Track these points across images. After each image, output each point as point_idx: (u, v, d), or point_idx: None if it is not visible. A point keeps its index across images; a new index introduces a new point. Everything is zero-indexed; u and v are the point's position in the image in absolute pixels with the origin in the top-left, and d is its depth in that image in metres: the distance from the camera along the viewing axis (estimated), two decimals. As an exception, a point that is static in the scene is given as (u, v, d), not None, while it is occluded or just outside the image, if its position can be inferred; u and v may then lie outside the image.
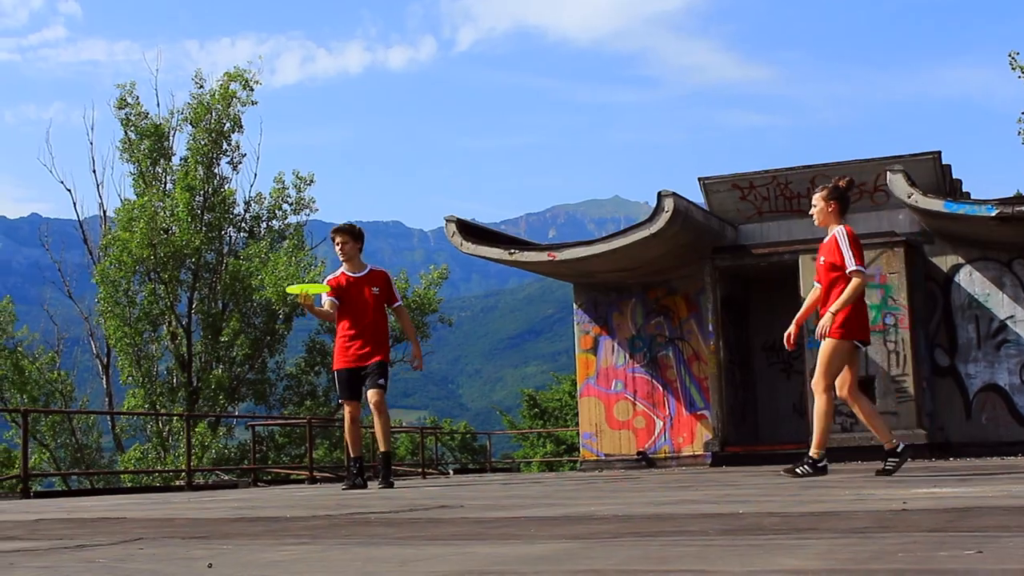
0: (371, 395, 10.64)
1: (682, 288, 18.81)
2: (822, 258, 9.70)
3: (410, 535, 4.04)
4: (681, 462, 18.47)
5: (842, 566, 2.60)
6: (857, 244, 9.53)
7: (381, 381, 10.67)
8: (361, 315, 10.77)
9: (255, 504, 7.69)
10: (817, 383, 9.59)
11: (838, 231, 9.59)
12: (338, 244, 10.93)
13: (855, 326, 9.47)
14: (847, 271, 9.35)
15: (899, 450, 9.39)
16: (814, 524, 3.94)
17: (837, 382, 9.58)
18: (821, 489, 7.02)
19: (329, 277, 11.10)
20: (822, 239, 16.96)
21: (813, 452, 9.54)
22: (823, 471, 9.53)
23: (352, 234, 10.97)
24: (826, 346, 9.47)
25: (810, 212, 9.99)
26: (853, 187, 10.32)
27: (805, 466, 9.55)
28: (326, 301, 11.00)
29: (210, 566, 2.95)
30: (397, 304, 11.17)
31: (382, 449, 10.80)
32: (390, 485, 10.63)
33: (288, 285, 11.74)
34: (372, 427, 11.29)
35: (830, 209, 9.74)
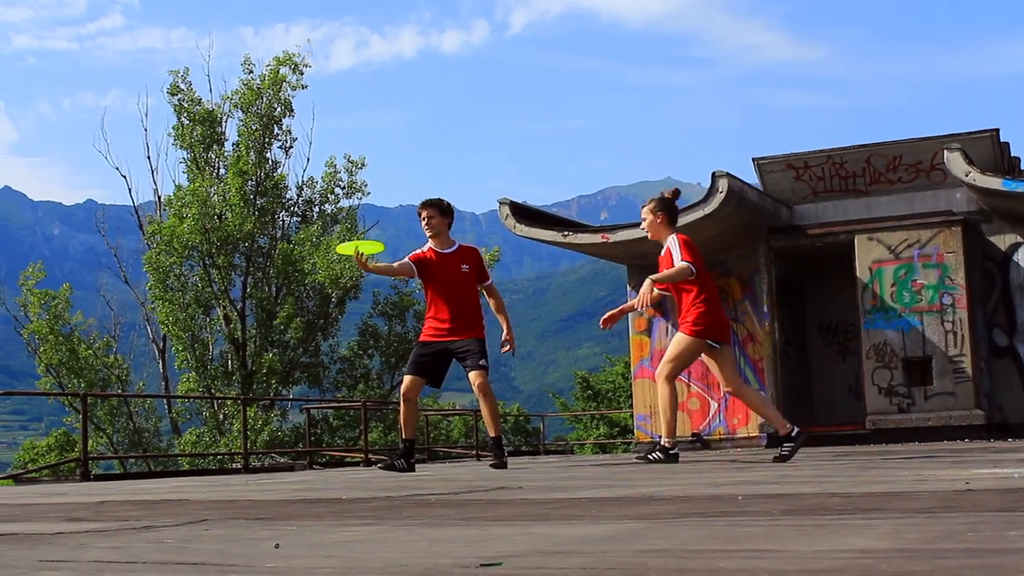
0: (474, 377, 9.95)
1: (736, 269, 18.71)
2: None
3: (472, 516, 4.05)
4: (736, 444, 18.40)
5: (911, 546, 2.58)
6: (689, 248, 9.74)
7: (483, 362, 9.97)
8: (451, 293, 10.11)
9: (314, 486, 7.74)
10: (660, 372, 9.94)
11: (671, 240, 9.80)
12: (424, 218, 10.25)
13: (710, 325, 9.78)
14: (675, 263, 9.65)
15: (793, 435, 9.52)
16: (878, 504, 3.91)
17: (726, 379, 9.89)
18: (880, 470, 6.98)
19: (415, 252, 10.32)
20: (880, 218, 16.85)
21: (665, 441, 9.89)
22: (674, 459, 9.84)
23: (439, 208, 10.28)
24: (679, 339, 9.86)
25: (641, 227, 10.16)
26: (680, 196, 10.53)
27: (657, 452, 9.88)
28: (397, 262, 10.40)
29: (277, 546, 2.97)
30: (488, 283, 10.52)
31: (492, 434, 10.17)
32: (503, 465, 10.03)
33: (339, 246, 10.66)
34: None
35: (659, 221, 9.98)
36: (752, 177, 18.17)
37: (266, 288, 39.87)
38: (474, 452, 24.51)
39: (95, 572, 2.54)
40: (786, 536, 2.87)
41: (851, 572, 2.16)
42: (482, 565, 2.44)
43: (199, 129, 40.21)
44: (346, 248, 10.18)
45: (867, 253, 17.22)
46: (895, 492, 4.59)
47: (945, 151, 16.44)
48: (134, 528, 3.83)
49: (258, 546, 3.02)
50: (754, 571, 2.21)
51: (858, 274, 17.25)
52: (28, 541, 3.37)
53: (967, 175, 16.21)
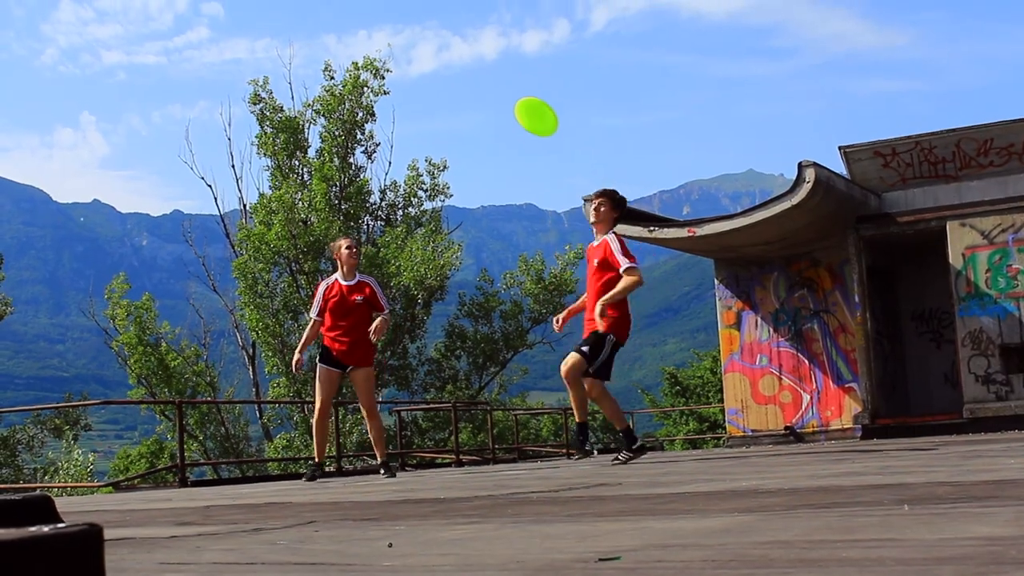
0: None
1: (825, 259, 18.53)
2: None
3: (578, 512, 4.03)
4: (830, 436, 18.23)
5: (1037, 532, 2.54)
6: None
7: (584, 348, 10.05)
8: (589, 290, 10.39)
9: (412, 487, 7.77)
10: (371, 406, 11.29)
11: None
12: (596, 206, 10.38)
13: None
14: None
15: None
16: (992, 492, 3.85)
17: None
18: (986, 459, 6.87)
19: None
20: (971, 203, 16.54)
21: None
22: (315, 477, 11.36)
23: (612, 199, 10.44)
24: (370, 375, 11.20)
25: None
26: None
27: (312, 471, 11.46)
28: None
29: (390, 545, 2.98)
30: (620, 270, 10.03)
31: (579, 420, 10.55)
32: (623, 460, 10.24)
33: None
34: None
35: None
36: (838, 166, 17.99)
37: (352, 292, 40.10)
38: (564, 451, 24.48)
39: (216, 573, 2.56)
40: (904, 525, 2.83)
41: (980, 559, 2.12)
42: (600, 559, 2.43)
43: (282, 137, 40.55)
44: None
45: (960, 239, 16.97)
46: (1007, 480, 4.51)
47: (1037, 133, 16.15)
48: (244, 531, 3.87)
49: (371, 546, 3.03)
50: (880, 560, 2.17)
51: (951, 261, 17.01)
52: (145, 545, 3.42)
53: (1061, 157, 15.92)
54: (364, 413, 11.24)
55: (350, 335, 10.95)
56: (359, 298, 11.01)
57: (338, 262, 11.31)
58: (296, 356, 11.55)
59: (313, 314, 11.33)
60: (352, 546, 3.08)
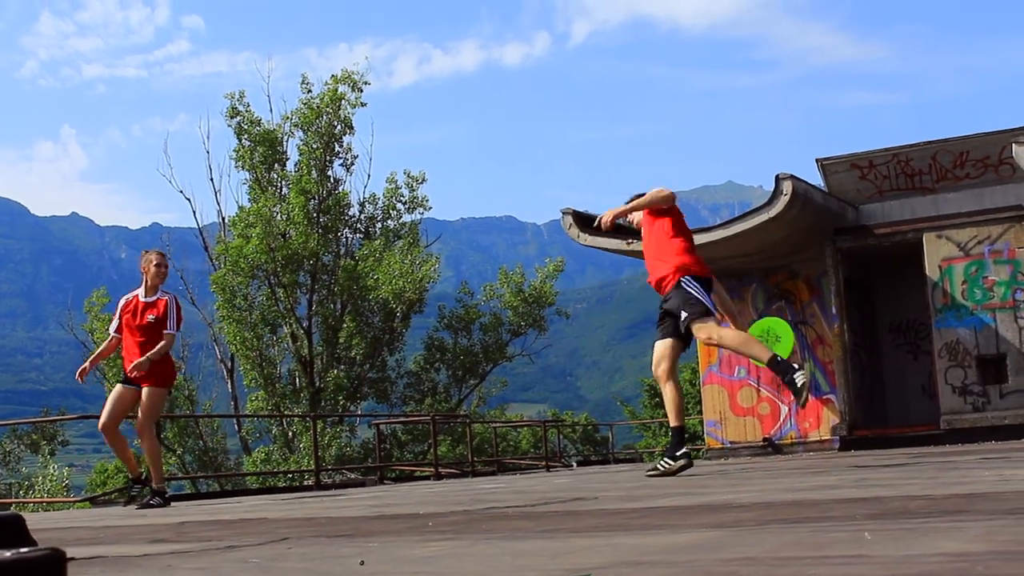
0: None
1: (803, 271, 18.58)
2: None
3: (552, 528, 4.03)
4: (808, 447, 18.26)
5: (1005, 548, 2.54)
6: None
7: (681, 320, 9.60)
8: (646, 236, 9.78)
9: (388, 502, 7.76)
10: (143, 425, 10.60)
11: None
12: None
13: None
14: None
15: (163, 496, 10.50)
16: (963, 506, 3.86)
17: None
18: (960, 471, 6.89)
19: None
20: (948, 215, 16.61)
21: (157, 485, 10.59)
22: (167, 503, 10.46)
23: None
24: (154, 393, 10.51)
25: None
26: None
27: (158, 497, 10.39)
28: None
29: (362, 563, 2.98)
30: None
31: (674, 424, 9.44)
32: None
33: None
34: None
35: None
36: (816, 178, 18.05)
37: (331, 305, 40.09)
38: (544, 463, 24.48)
39: (186, 593, 2.56)
40: (873, 541, 2.84)
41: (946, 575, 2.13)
42: (570, 577, 2.43)
43: (260, 150, 40.51)
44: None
45: (936, 251, 17.04)
46: (979, 493, 4.52)
47: (1013, 144, 16.22)
48: (218, 548, 3.86)
49: (343, 563, 3.03)
50: (847, 577, 2.18)
51: (927, 272, 17.08)
52: (118, 564, 3.41)
53: (1036, 169, 16.00)
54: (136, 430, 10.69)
55: (139, 354, 10.40)
56: (152, 316, 10.49)
57: (144, 276, 10.74)
58: (84, 365, 11.11)
59: (111, 329, 10.90)
60: (324, 564, 3.08)
